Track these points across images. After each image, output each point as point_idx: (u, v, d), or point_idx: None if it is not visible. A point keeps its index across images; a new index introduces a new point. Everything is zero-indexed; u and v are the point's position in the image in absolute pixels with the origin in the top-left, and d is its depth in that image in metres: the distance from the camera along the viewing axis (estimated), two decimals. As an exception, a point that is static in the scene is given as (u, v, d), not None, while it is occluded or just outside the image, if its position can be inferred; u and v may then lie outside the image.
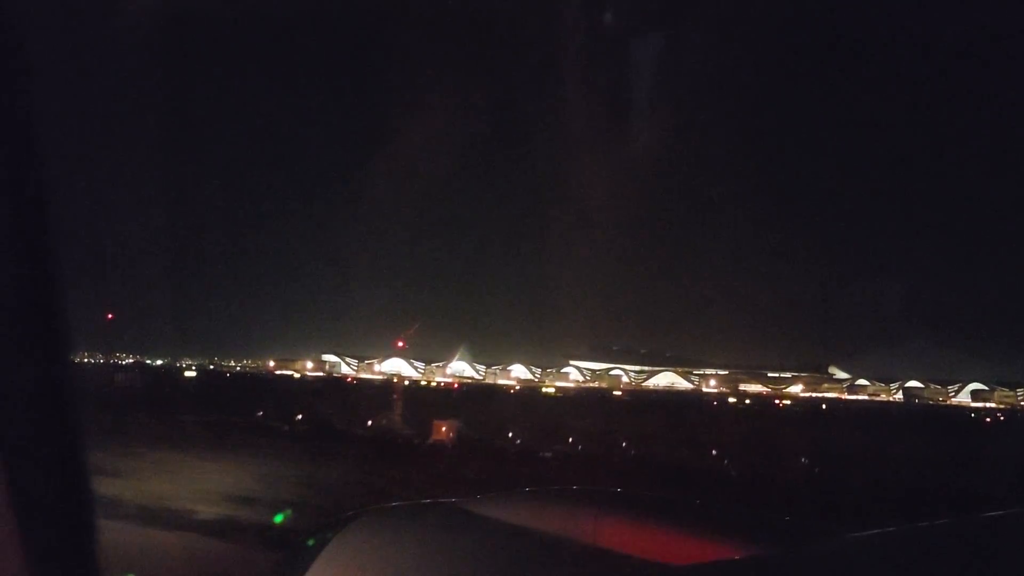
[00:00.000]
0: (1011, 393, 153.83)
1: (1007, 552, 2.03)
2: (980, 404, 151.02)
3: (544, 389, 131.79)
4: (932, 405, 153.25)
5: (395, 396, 38.65)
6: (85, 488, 2.00)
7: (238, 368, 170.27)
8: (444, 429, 30.26)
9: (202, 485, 18.27)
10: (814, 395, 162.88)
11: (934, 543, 2.25)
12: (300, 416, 38.40)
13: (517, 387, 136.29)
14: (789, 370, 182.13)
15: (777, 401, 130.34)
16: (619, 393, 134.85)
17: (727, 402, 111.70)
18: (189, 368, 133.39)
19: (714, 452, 32.86)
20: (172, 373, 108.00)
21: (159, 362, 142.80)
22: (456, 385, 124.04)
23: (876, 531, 2.48)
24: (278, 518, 13.86)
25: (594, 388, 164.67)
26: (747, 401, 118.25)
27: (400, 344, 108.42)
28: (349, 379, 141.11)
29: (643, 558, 2.87)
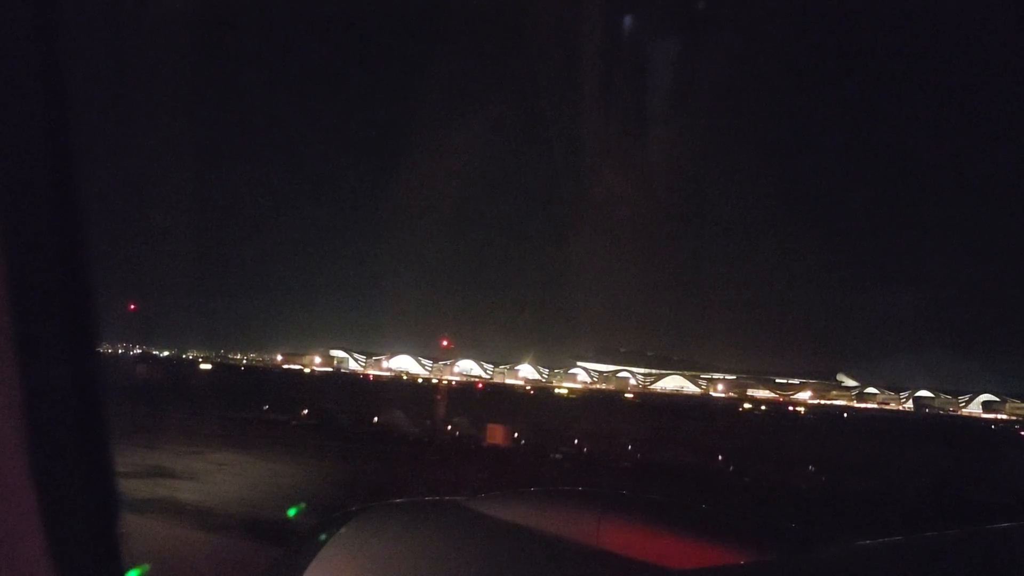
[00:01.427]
0: (1023, 405, 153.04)
1: (1014, 564, 2.05)
2: (991, 415, 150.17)
3: (557, 390, 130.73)
4: (943, 415, 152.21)
5: (438, 397, 37.87)
6: (109, 480, 2.01)
7: (245, 361, 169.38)
8: (499, 433, 29.59)
9: (284, 491, 17.39)
10: (823, 402, 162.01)
11: (941, 553, 2.27)
12: (342, 415, 37.58)
13: (530, 388, 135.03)
14: (797, 376, 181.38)
15: (791, 408, 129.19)
16: (631, 396, 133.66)
17: (742, 408, 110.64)
18: (201, 360, 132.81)
19: (735, 459, 32.16)
20: (187, 365, 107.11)
21: (165, 353, 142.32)
22: (480, 385, 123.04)
23: (882, 539, 2.49)
24: (291, 511, 13.57)
25: (604, 390, 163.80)
26: (763, 407, 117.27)
27: (445, 343, 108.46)
28: (370, 376, 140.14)
29: (645, 561, 2.82)
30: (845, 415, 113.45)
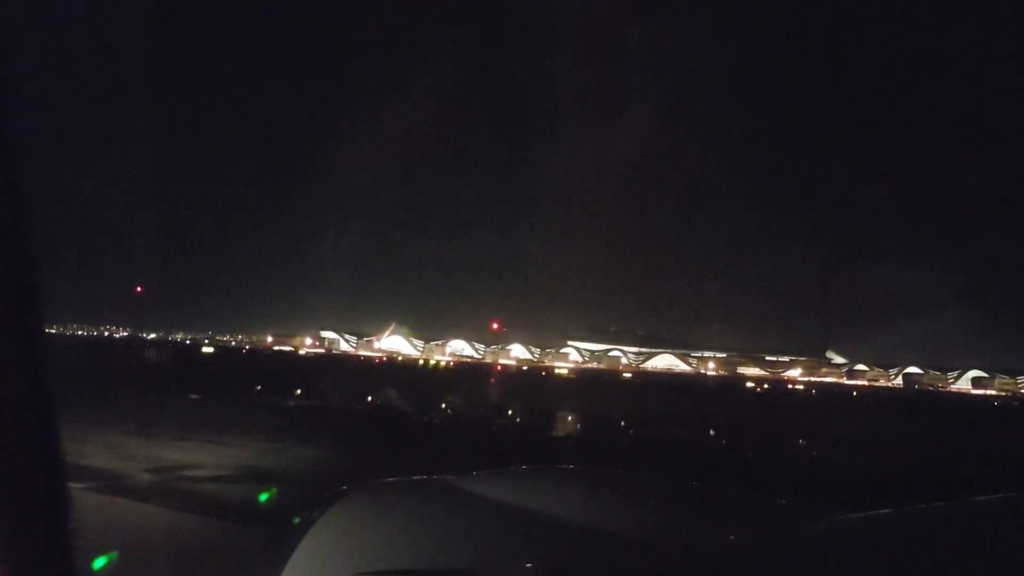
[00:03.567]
0: (1011, 381, 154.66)
1: (995, 536, 2.08)
2: (980, 391, 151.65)
3: (557, 370, 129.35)
4: (933, 391, 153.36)
5: (492, 381, 36.37)
6: (58, 463, 1.97)
7: (234, 343, 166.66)
8: (570, 421, 28.10)
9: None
10: (814, 379, 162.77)
11: (923, 526, 2.32)
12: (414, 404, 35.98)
13: (550, 371, 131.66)
14: (786, 354, 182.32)
15: (792, 386, 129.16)
16: (630, 375, 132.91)
17: (746, 387, 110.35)
18: (203, 344, 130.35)
19: (758, 438, 31.32)
20: (188, 349, 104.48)
21: (152, 336, 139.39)
22: (498, 368, 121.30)
23: (866, 513, 2.58)
24: (263, 497, 12.90)
25: (598, 369, 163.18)
26: (766, 386, 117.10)
27: (495, 327, 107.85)
28: (382, 359, 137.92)
29: (634, 538, 2.87)
30: (855, 393, 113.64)
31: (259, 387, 37.90)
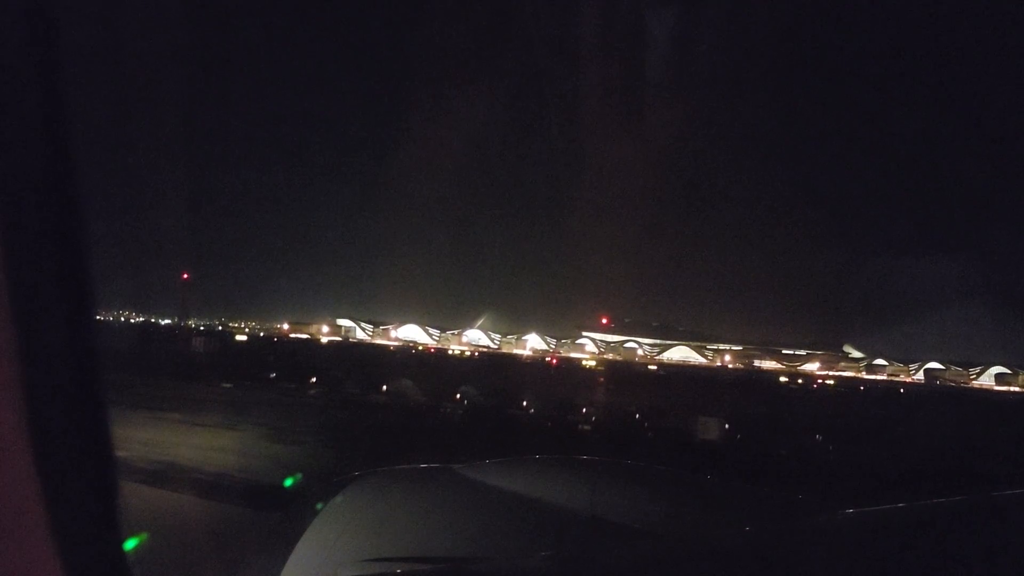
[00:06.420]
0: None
1: (1002, 532, 2.06)
2: (1004, 387, 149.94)
3: (585, 362, 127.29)
4: (955, 387, 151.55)
5: (601, 379, 34.47)
6: (107, 448, 2.01)
7: (248, 329, 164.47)
8: (712, 427, 26.22)
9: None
10: (833, 373, 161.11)
11: (928, 522, 2.34)
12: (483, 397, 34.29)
13: (586, 362, 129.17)
14: (803, 347, 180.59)
15: (821, 382, 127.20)
16: (655, 367, 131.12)
17: (780, 381, 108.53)
18: (219, 328, 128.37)
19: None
20: (225, 337, 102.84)
21: (166, 321, 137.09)
22: (554, 361, 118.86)
23: (870, 508, 2.58)
24: (288, 482, 13.03)
25: (618, 360, 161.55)
26: (799, 381, 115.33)
27: (604, 321, 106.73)
28: (430, 348, 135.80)
29: (637, 528, 2.86)
30: (902, 390, 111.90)
31: (329, 380, 36.85)
